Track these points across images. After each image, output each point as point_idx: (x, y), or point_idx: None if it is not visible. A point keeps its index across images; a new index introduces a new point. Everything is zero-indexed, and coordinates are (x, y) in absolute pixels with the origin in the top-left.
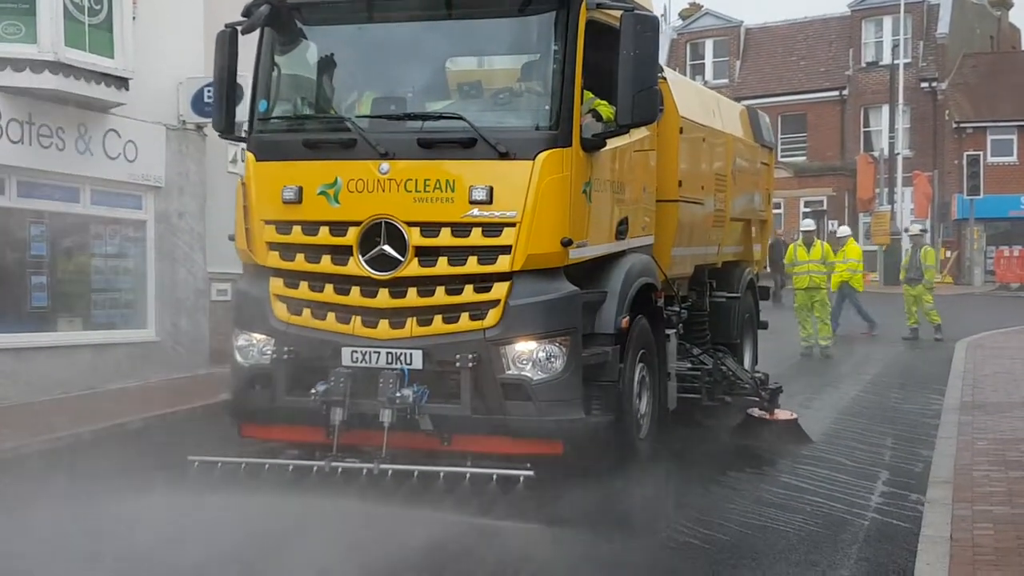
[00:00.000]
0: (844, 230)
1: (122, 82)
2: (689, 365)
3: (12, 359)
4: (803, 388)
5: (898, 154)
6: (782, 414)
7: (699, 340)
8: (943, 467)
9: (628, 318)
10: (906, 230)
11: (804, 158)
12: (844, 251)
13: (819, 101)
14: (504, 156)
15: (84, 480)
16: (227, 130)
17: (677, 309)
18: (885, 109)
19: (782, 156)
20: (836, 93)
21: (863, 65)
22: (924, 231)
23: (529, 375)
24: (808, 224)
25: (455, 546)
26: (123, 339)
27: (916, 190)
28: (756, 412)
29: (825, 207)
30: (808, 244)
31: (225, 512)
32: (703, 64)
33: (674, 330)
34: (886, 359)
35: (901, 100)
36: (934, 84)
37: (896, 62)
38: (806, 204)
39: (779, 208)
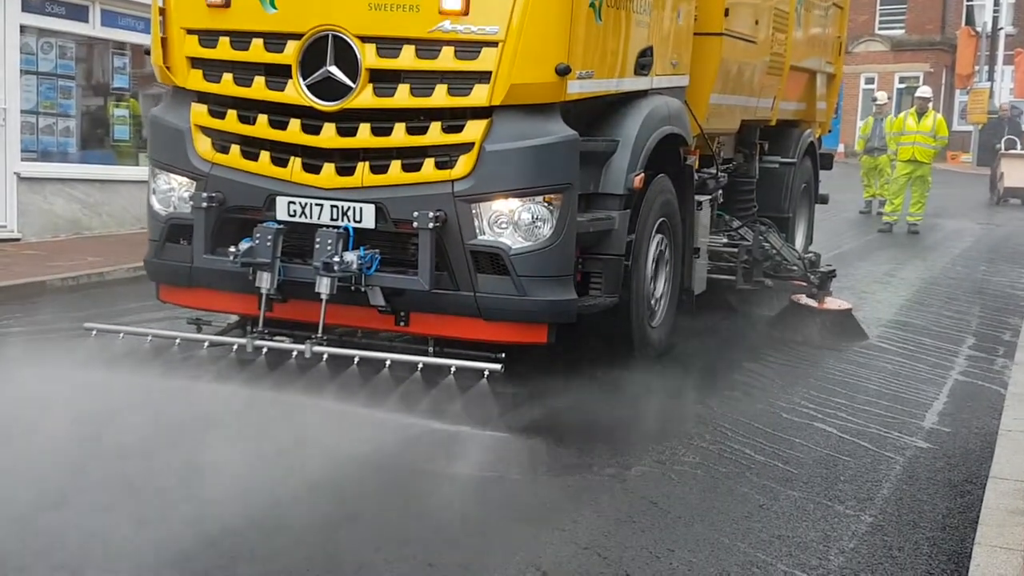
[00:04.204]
0: (925, 90)
1: None
2: (725, 240)
3: (96, 190)
4: (888, 259)
5: (1001, 29)
6: (833, 303)
7: (742, 212)
8: None
9: (643, 175)
10: (874, 99)
11: (902, 31)
12: None
13: None
14: None
15: None
16: None
17: (715, 172)
18: None
19: (879, 28)
20: None
21: None
22: (881, 102)
23: (507, 242)
24: (924, 91)
25: (390, 456)
26: None
27: (1017, 69)
28: (802, 299)
29: (921, 83)
30: (920, 113)
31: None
32: None
33: (708, 197)
34: (975, 235)
35: None
36: None
37: None
38: (901, 80)
39: (872, 84)
